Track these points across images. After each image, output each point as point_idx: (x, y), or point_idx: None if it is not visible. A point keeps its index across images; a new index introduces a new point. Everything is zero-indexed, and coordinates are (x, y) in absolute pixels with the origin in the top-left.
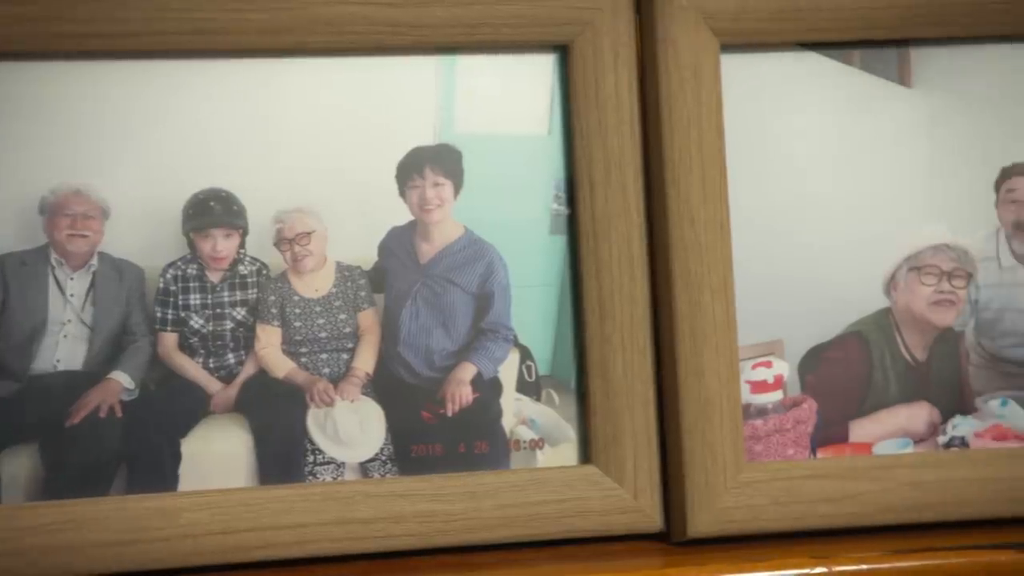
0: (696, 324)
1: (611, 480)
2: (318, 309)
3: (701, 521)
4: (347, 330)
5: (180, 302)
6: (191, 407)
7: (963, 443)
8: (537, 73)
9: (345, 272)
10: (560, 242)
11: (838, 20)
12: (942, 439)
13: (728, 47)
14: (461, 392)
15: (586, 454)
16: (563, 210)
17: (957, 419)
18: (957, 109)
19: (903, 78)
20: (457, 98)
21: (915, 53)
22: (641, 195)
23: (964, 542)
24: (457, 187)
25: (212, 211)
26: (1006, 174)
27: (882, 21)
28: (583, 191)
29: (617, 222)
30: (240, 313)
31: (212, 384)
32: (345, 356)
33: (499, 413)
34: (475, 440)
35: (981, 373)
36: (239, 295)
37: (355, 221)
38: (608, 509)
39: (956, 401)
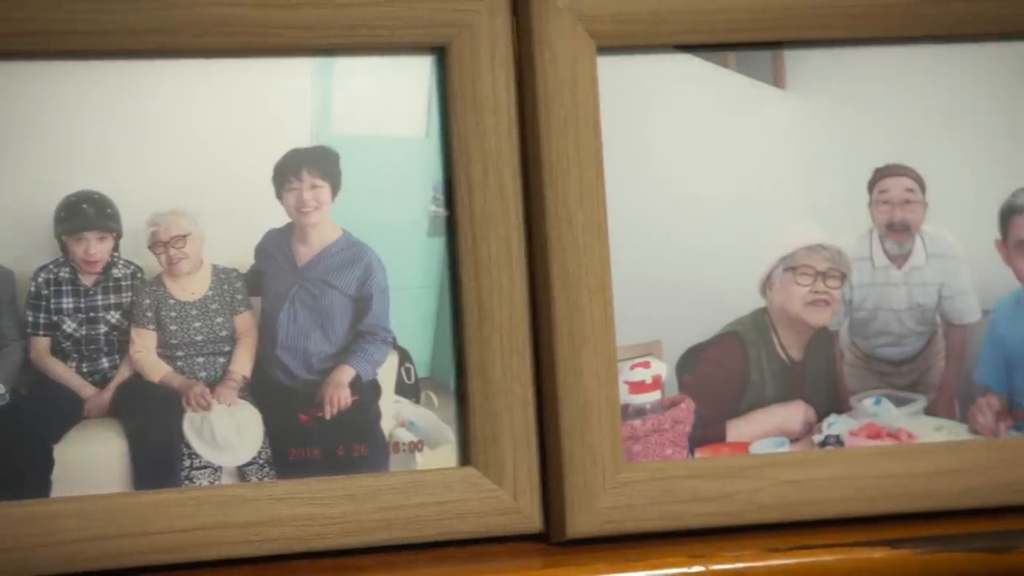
0: (574, 325)
1: (490, 481)
2: (194, 312)
3: (580, 521)
4: (224, 333)
5: (52, 306)
6: (64, 412)
7: (838, 441)
8: (414, 75)
9: (221, 275)
10: (439, 244)
11: (713, 22)
12: (817, 438)
13: (605, 49)
14: (339, 395)
15: (465, 456)
16: (441, 212)
17: (832, 418)
18: (830, 110)
19: (777, 80)
20: (334, 100)
21: (789, 55)
22: (519, 197)
23: (839, 540)
24: (335, 189)
25: (85, 214)
26: (879, 175)
27: (756, 23)
28: (461, 193)
29: (495, 224)
30: (114, 317)
31: (85, 389)
32: (222, 360)
33: (378, 415)
34: (354, 443)
35: (855, 372)
36: (113, 299)
37: (231, 224)
38: (487, 510)
39: (831, 400)
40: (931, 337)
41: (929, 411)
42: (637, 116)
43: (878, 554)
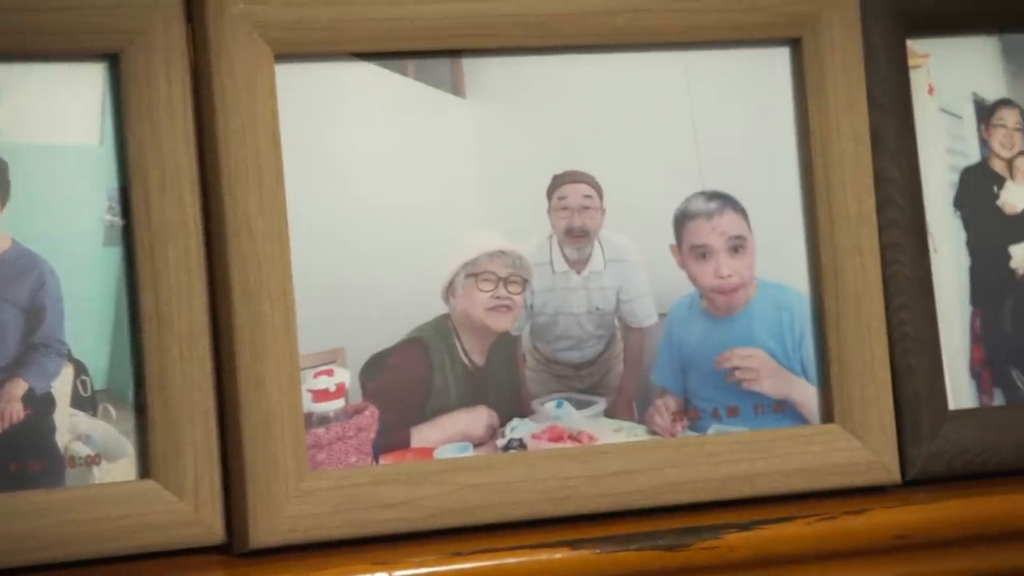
0: (256, 334)
1: (171, 494)
2: None
3: (263, 532)
4: None
5: None
6: None
7: (521, 445)
8: (87, 82)
9: None
10: (115, 253)
11: (392, 30)
12: (501, 442)
13: (283, 56)
14: (11, 409)
15: (145, 468)
16: (118, 221)
17: (515, 422)
18: (509, 118)
19: (456, 88)
20: (2, 108)
21: (467, 63)
22: (198, 205)
23: (522, 542)
24: (3, 199)
25: None
26: (557, 181)
27: (435, 32)
28: (138, 202)
29: (174, 233)
30: None
31: None
32: None
33: (53, 430)
34: (28, 459)
35: (537, 376)
36: None
37: None
38: (169, 523)
39: (514, 404)
40: (610, 340)
41: (609, 413)
42: (317, 124)
43: (559, 555)
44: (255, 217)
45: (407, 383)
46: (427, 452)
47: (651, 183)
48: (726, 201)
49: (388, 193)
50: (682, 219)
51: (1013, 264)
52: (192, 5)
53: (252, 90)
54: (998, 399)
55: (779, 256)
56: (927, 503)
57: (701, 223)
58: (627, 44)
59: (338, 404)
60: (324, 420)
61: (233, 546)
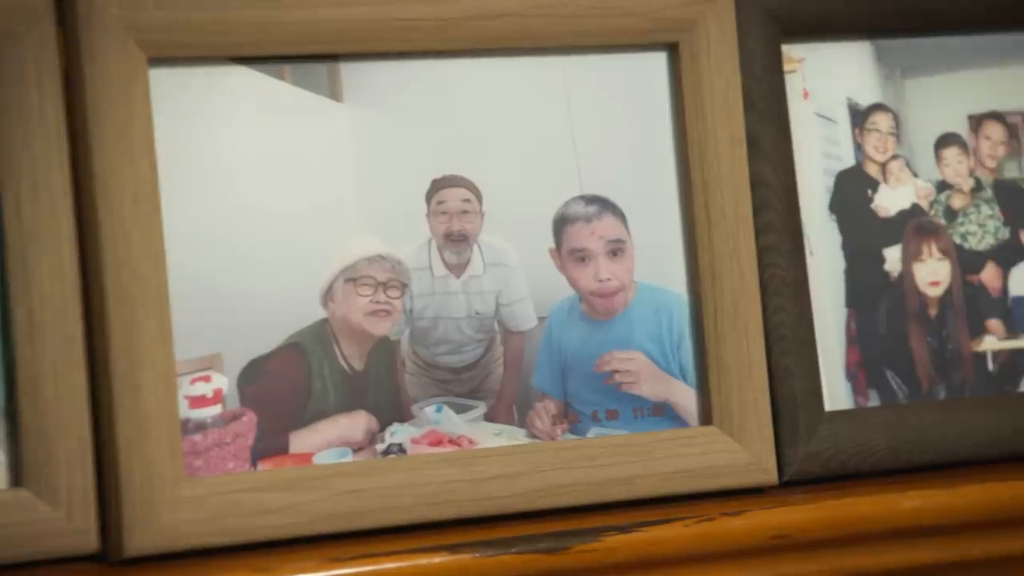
0: (131, 341)
1: (44, 503)
2: None
3: (139, 540)
4: None
5: None
6: None
7: (401, 450)
8: None
9: None
10: None
11: (269, 34)
12: (380, 447)
13: (157, 61)
14: None
15: (17, 477)
16: None
17: (395, 427)
18: (388, 123)
19: (334, 92)
20: None
21: (345, 68)
22: (71, 212)
23: (401, 547)
24: None
25: None
26: (436, 186)
27: (311, 36)
28: (9, 209)
29: (47, 239)
30: None
31: None
32: None
33: None
34: None
35: (417, 381)
36: None
37: None
38: (42, 533)
39: (393, 409)
40: (490, 344)
41: (489, 417)
42: (193, 129)
43: (438, 559)
44: (129, 223)
45: (285, 389)
46: (306, 458)
47: (530, 187)
48: (605, 205)
49: (265, 198)
50: (561, 223)
51: (887, 266)
52: (63, 8)
53: (125, 95)
54: (873, 400)
55: (658, 259)
56: (803, 504)
57: (580, 227)
58: (506, 49)
59: (215, 410)
60: (201, 426)
61: (108, 555)
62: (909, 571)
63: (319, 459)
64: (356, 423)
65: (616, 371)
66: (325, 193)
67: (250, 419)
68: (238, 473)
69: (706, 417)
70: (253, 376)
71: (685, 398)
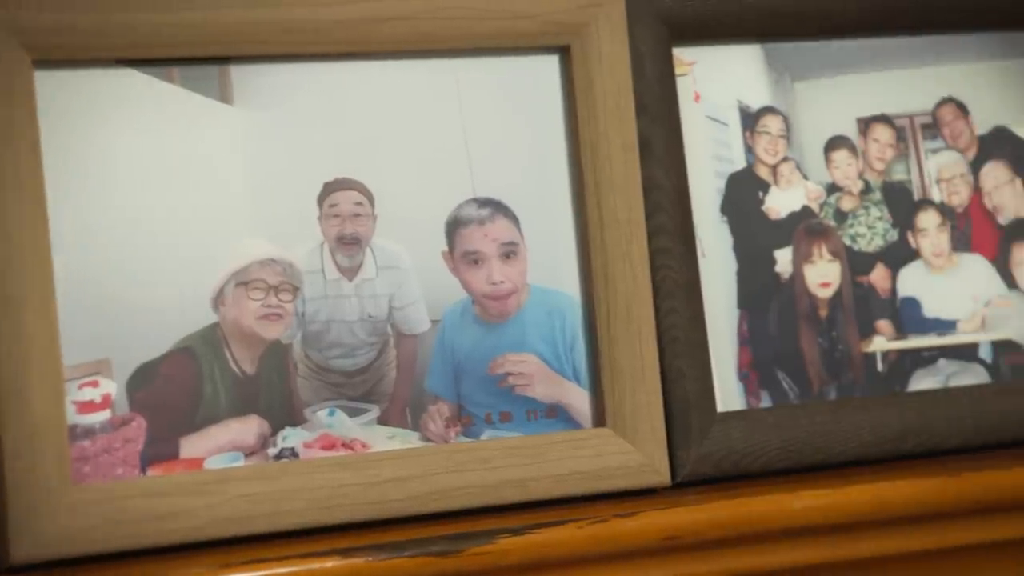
0: (17, 346)
1: None
2: None
3: (26, 547)
4: None
5: None
6: None
7: (293, 454)
8: None
9: None
10: None
11: (157, 37)
12: (273, 451)
13: (42, 63)
14: None
15: None
16: None
17: (287, 431)
18: (278, 126)
19: (224, 95)
20: None
21: (235, 71)
22: None
23: (293, 551)
24: None
25: None
26: (328, 189)
27: (200, 39)
28: None
29: None
30: None
31: None
32: None
33: None
34: None
35: (309, 384)
36: None
37: None
38: None
39: (286, 413)
40: (383, 347)
41: (382, 420)
42: (80, 132)
43: (330, 563)
44: (15, 226)
45: (176, 393)
46: (197, 462)
47: (423, 190)
48: (498, 208)
49: (155, 201)
50: (454, 226)
51: (778, 268)
52: None
53: (9, 97)
54: (765, 401)
55: (551, 262)
56: (696, 504)
57: (473, 230)
58: (398, 52)
59: (104, 415)
60: (89, 432)
61: None
62: (800, 570)
63: (210, 464)
64: (248, 427)
65: (509, 373)
66: (216, 196)
67: (139, 424)
68: (127, 479)
69: (599, 419)
70: (143, 381)
71: (578, 400)
